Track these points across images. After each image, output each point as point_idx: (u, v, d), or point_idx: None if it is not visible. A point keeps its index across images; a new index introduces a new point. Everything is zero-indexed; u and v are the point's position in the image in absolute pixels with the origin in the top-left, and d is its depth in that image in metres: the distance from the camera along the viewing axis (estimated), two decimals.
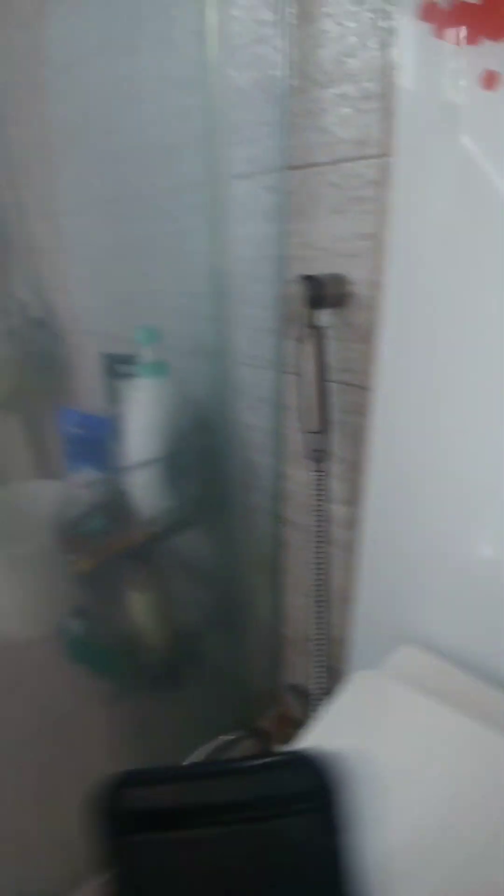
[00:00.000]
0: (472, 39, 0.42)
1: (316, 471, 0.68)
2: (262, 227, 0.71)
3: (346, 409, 0.69)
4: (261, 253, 0.72)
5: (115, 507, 0.87)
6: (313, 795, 0.20)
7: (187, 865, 0.20)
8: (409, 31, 0.46)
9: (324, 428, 0.67)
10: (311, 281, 0.61)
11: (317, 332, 0.64)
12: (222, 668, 0.95)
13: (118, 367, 0.90)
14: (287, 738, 0.88)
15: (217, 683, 0.95)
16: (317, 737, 0.44)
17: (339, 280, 0.64)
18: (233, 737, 0.87)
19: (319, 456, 0.68)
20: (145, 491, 0.85)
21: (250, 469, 0.86)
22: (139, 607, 0.89)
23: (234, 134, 0.69)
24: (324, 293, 0.62)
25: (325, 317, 0.65)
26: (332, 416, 0.68)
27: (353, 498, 0.73)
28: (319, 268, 0.66)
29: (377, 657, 0.65)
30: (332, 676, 0.74)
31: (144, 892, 0.19)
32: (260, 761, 0.21)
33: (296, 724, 0.99)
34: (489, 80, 0.42)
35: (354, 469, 0.72)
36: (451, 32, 0.43)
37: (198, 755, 0.82)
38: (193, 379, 0.83)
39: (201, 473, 0.87)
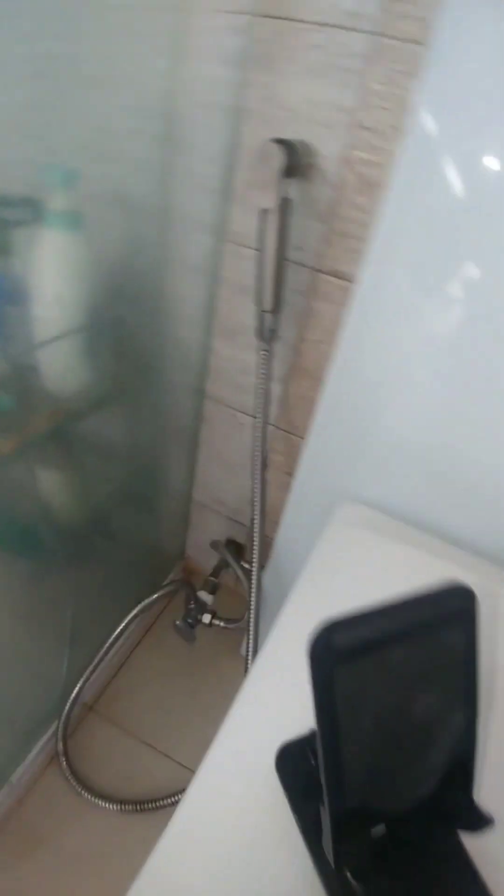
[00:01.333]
0: None
1: (264, 350, 0.70)
2: (220, 70, 0.60)
3: (296, 289, 0.70)
4: (215, 98, 0.62)
5: (20, 385, 0.77)
6: (461, 611, 0.28)
7: (378, 679, 0.27)
8: None
9: (277, 307, 0.67)
10: (286, 146, 0.57)
11: (283, 205, 0.61)
12: (136, 536, 0.99)
13: (12, 211, 0.73)
14: (198, 584, 1.01)
15: (132, 551, 0.99)
16: (314, 583, 0.54)
17: (309, 149, 0.61)
18: (157, 595, 0.95)
19: (270, 335, 0.69)
20: (58, 366, 0.76)
21: (175, 342, 0.83)
22: (54, 486, 0.85)
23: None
24: (297, 162, 0.59)
25: (291, 188, 0.62)
26: (285, 296, 0.69)
27: (288, 377, 0.78)
28: (283, 130, 0.61)
29: (310, 516, 0.76)
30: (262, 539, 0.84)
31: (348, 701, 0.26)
32: (422, 594, 0.28)
33: (199, 575, 1.12)
34: None
35: (294, 350, 0.75)
36: None
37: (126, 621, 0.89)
38: (116, 237, 0.72)
39: (123, 347, 0.80)
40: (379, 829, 0.30)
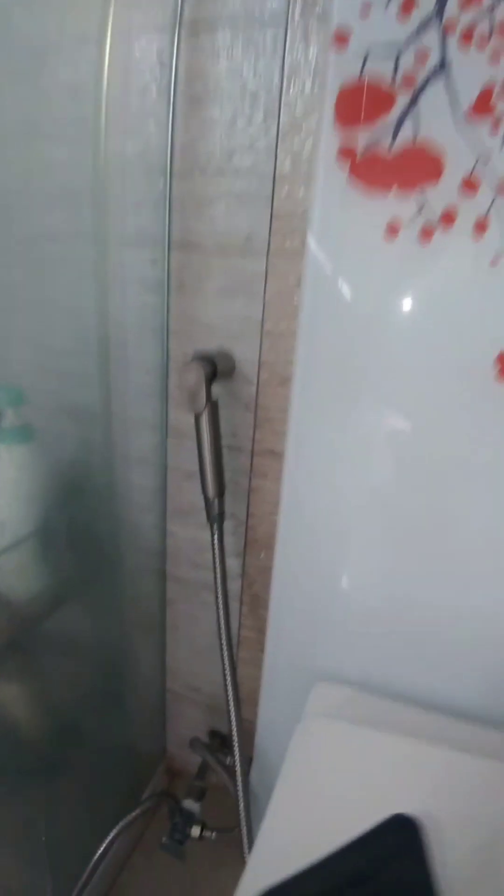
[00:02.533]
0: (382, 188, 0.51)
1: (215, 532, 0.71)
2: (146, 298, 0.71)
3: (237, 470, 0.74)
4: (145, 322, 0.72)
5: None
6: (406, 847, 0.26)
7: None
8: (325, 169, 0.53)
9: (221, 492, 0.70)
10: (207, 360, 0.65)
11: (211, 406, 0.67)
12: (110, 741, 0.90)
13: None
14: (183, 790, 0.90)
15: (106, 758, 0.90)
16: (294, 786, 0.49)
17: (228, 357, 0.69)
18: (137, 812, 0.85)
19: (218, 519, 0.71)
20: (12, 574, 0.77)
21: (131, 529, 0.84)
22: (15, 700, 0.79)
23: (122, 199, 0.68)
24: (217, 369, 0.66)
25: (216, 389, 0.69)
26: (226, 482, 0.73)
27: (242, 551, 0.79)
28: (205, 342, 0.70)
29: (287, 696, 0.71)
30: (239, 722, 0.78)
31: None
32: (360, 837, 0.26)
33: (184, 775, 1.00)
34: (392, 230, 0.52)
35: (245, 526, 0.77)
36: (364, 179, 0.52)
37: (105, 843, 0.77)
38: (66, 443, 0.78)
39: (80, 542, 0.82)
40: None
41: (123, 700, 0.92)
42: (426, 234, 0.51)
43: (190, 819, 0.87)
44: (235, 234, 0.65)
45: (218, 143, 0.63)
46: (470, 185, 0.49)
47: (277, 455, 0.71)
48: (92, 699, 0.87)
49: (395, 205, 0.52)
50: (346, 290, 0.56)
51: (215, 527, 0.71)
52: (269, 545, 0.76)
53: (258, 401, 0.70)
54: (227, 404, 0.71)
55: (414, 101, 0.49)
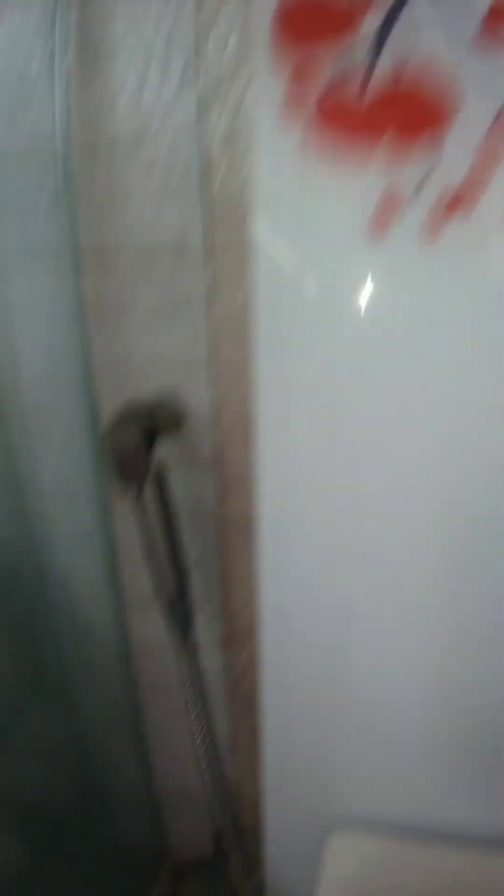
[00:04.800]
0: (356, 154, 0.35)
1: (183, 634, 0.54)
2: (55, 332, 0.54)
3: (204, 547, 0.57)
4: (58, 365, 0.55)
5: None
6: None
7: None
8: (268, 132, 0.36)
9: (183, 583, 0.53)
10: (144, 413, 0.48)
11: (157, 475, 0.50)
12: (94, 852, 0.72)
13: None
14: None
15: (94, 869, 0.72)
16: None
17: (172, 404, 0.52)
18: None
19: (184, 616, 0.54)
20: None
21: (81, 626, 0.66)
22: None
23: (5, 205, 0.51)
24: (159, 424, 0.49)
25: (161, 450, 0.52)
26: (189, 566, 0.55)
27: (227, 640, 0.61)
28: (138, 386, 0.53)
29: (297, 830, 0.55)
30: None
31: None
32: None
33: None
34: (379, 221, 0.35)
35: (221, 619, 0.60)
36: (327, 140, 0.35)
37: None
38: None
39: (14, 646, 0.64)
40: None
41: (107, 810, 0.74)
42: (432, 226, 0.35)
43: None
44: (162, 232, 0.48)
45: (125, 122, 0.46)
46: (496, 141, 0.33)
47: (250, 523, 0.54)
48: (64, 811, 0.70)
49: (379, 179, 0.35)
50: (315, 304, 0.39)
51: (181, 627, 0.54)
52: (252, 637, 0.59)
53: (222, 455, 0.53)
54: (180, 466, 0.54)
55: (394, 14, 0.32)
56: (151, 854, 0.85)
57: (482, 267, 0.35)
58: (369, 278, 0.37)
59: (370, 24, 0.32)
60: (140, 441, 0.46)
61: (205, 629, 0.60)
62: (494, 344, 0.36)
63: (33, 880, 0.64)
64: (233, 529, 0.55)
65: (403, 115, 0.33)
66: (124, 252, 0.50)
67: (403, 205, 0.34)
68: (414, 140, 0.33)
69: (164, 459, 0.51)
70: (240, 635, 0.60)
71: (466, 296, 0.36)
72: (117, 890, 0.76)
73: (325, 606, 0.50)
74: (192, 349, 0.51)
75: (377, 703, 0.51)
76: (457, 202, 0.34)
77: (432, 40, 0.32)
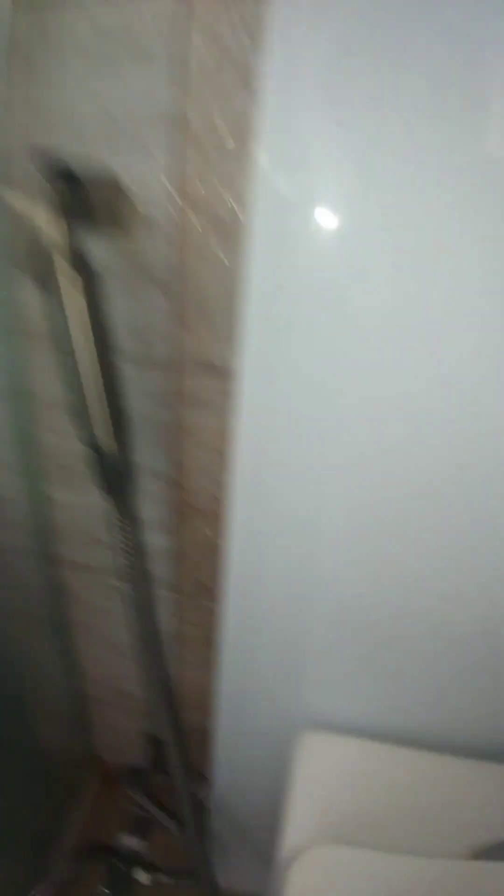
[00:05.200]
0: None
1: (116, 503, 0.42)
2: None
3: (149, 399, 0.44)
4: None
5: None
6: None
7: None
8: None
9: (123, 437, 0.41)
10: (65, 180, 0.32)
11: (86, 275, 0.35)
12: (12, 758, 0.64)
13: None
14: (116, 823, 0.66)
15: (13, 777, 0.64)
16: None
17: (113, 184, 0.37)
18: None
19: (120, 479, 0.42)
20: None
21: None
22: None
23: None
24: (90, 203, 0.34)
25: (95, 246, 0.37)
26: (130, 413, 0.43)
27: (168, 521, 0.51)
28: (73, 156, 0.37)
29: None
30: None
31: None
32: None
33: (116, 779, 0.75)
34: None
35: (172, 485, 0.49)
36: None
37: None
38: None
39: None
40: None
41: (23, 711, 0.65)
42: None
43: (132, 860, 0.66)
44: None
45: None
46: None
47: (221, 372, 0.42)
48: None
49: None
50: None
51: (113, 488, 0.42)
52: (213, 514, 0.49)
53: (185, 271, 0.39)
54: (124, 283, 0.40)
55: None
56: (77, 760, 0.78)
57: None
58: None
59: None
60: (55, 204, 0.32)
61: (147, 503, 0.49)
62: None
63: None
64: (190, 371, 0.42)
65: None
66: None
67: None
68: None
69: (98, 266, 0.37)
70: (193, 513, 0.50)
71: None
72: (38, 798, 0.70)
73: (305, 481, 0.40)
74: (152, 101, 0.35)
75: (350, 597, 0.43)
76: None
77: None
